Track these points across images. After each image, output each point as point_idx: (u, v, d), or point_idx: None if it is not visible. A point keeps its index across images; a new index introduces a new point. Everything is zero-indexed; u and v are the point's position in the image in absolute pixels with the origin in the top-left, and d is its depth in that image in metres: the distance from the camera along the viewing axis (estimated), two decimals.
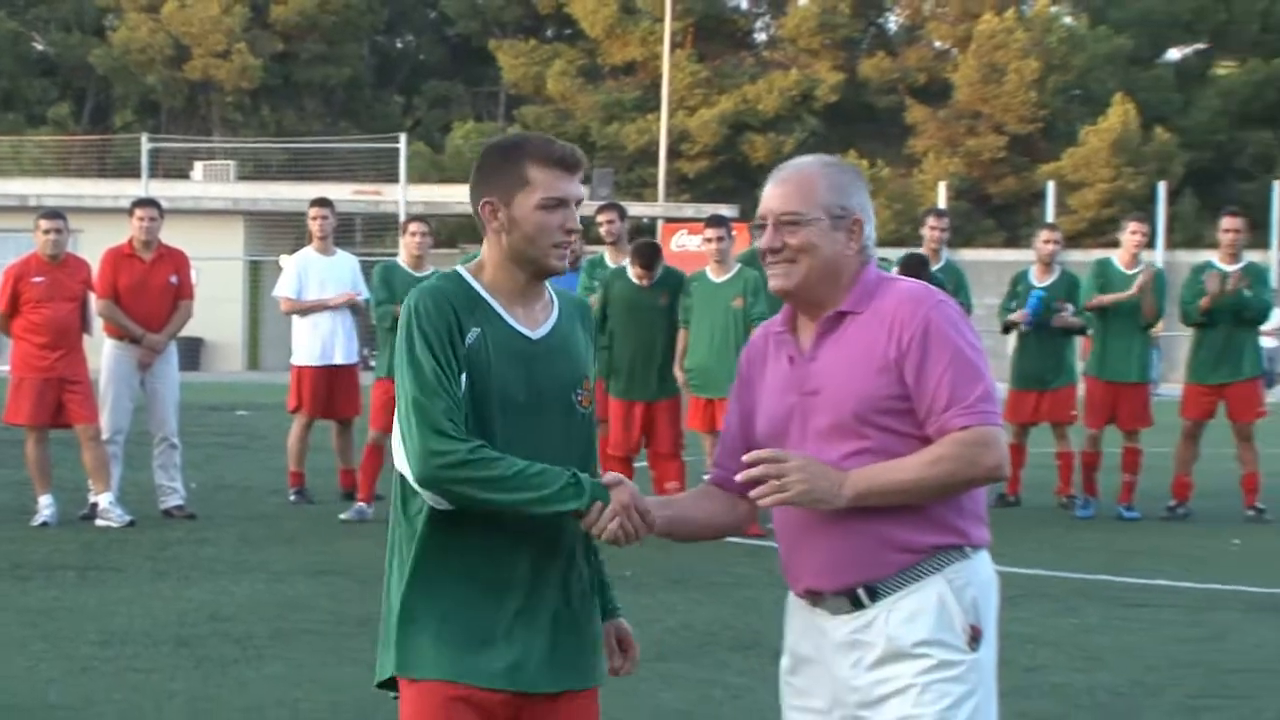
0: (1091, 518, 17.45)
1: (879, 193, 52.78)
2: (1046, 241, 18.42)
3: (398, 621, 4.94)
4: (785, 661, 5.06)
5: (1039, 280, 18.11)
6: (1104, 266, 17.92)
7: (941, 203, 48.83)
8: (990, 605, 4.95)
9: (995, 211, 64.33)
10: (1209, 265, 17.86)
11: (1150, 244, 21.44)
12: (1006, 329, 18.34)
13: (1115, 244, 18.42)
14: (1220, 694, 10.05)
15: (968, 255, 46.32)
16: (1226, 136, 64.35)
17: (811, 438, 4.85)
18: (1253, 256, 19.72)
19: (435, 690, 4.87)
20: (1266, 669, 10.67)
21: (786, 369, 4.99)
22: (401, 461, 4.89)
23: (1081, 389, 18.03)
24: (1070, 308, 17.85)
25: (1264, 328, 19.38)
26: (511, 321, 4.97)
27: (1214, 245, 18.38)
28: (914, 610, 4.85)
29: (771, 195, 4.97)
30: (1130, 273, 17.62)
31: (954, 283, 17.49)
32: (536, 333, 5.01)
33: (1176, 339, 33.65)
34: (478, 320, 4.91)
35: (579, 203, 5.00)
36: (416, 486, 4.84)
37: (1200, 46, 69.41)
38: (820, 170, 4.99)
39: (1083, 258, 33.03)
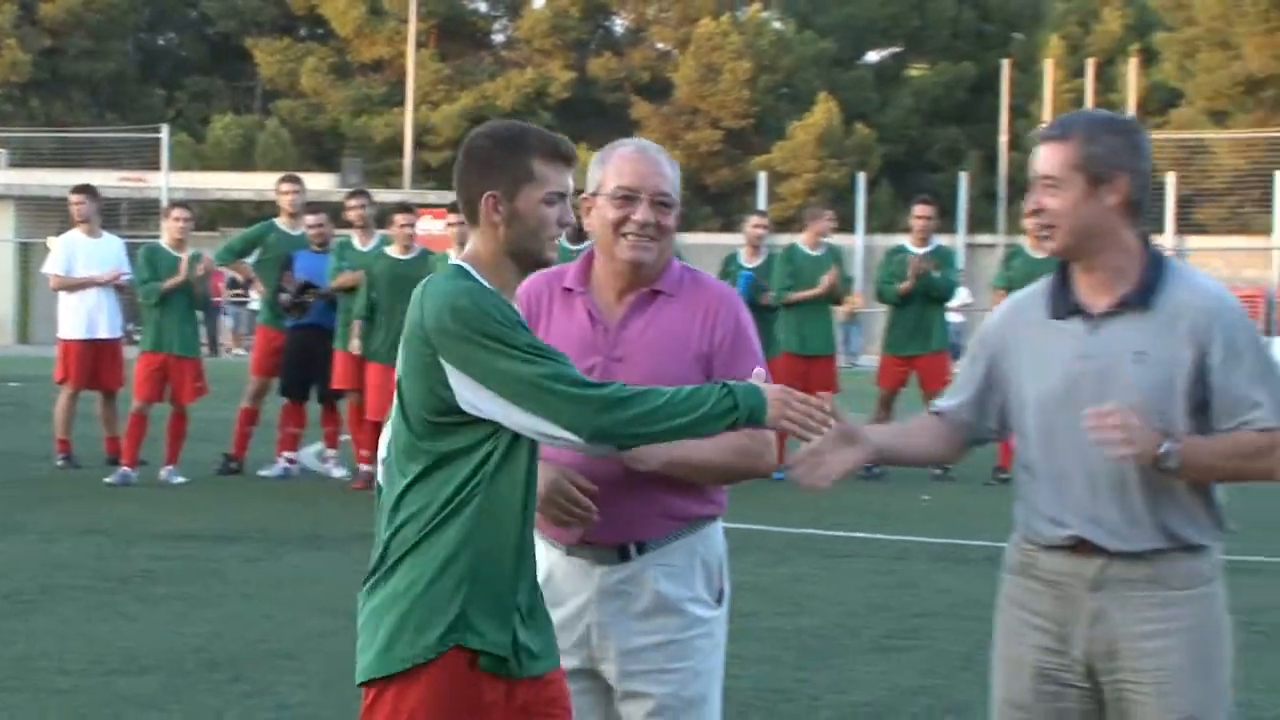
0: (785, 479, 17.60)
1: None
2: (755, 226, 18.65)
3: (432, 597, 4.42)
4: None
5: (748, 262, 18.27)
6: (791, 251, 18.24)
7: None
8: (726, 566, 5.09)
9: (712, 199, 64.74)
10: (902, 249, 18.23)
11: (850, 229, 21.65)
12: None
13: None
14: (909, 635, 10.23)
15: (688, 239, 46.53)
16: (919, 132, 65.32)
17: None
18: (941, 240, 20.07)
19: (463, 661, 4.41)
20: (950, 613, 10.86)
21: (587, 326, 4.98)
22: (533, 427, 4.39)
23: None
24: (771, 291, 18.03)
25: (950, 304, 19.79)
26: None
27: (907, 230, 18.70)
28: (676, 572, 4.94)
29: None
30: (815, 254, 17.98)
31: None
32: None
33: (874, 315, 34.16)
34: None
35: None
36: (586, 444, 4.38)
37: (896, 50, 70.37)
38: (658, 154, 5.07)
39: (790, 241, 33.39)
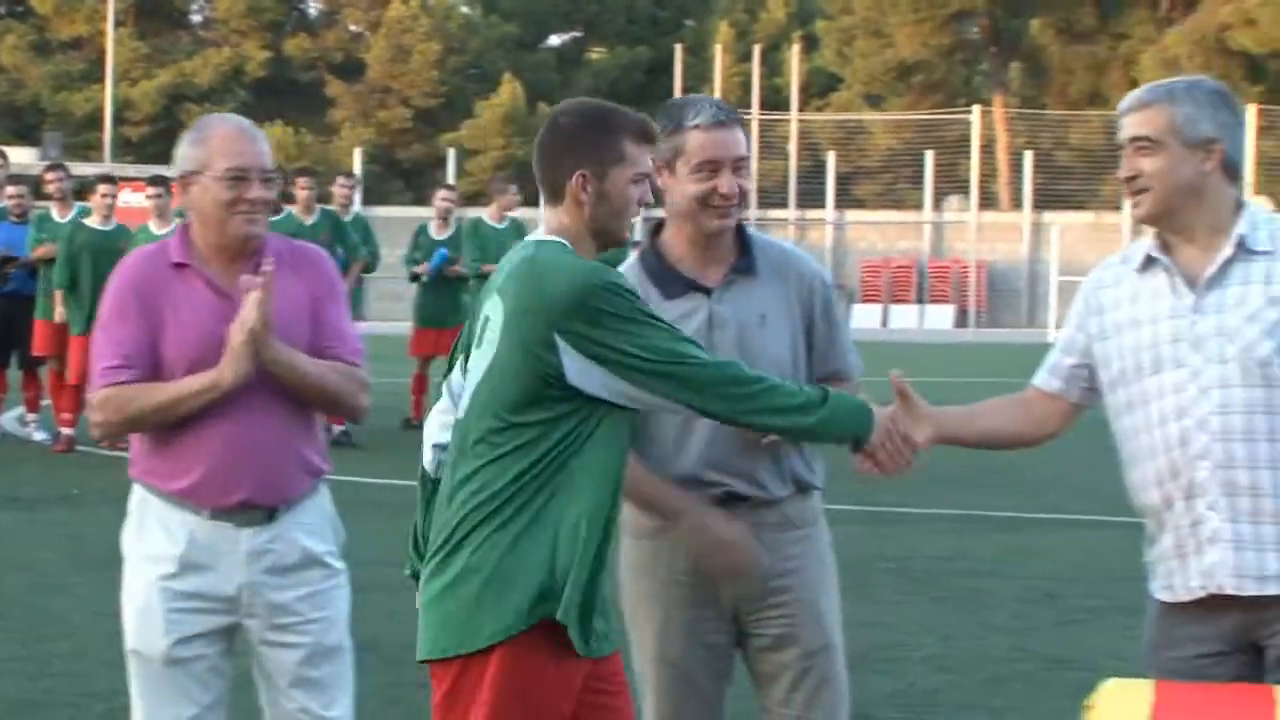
0: None
1: (301, 157, 52.32)
2: (443, 200, 18.66)
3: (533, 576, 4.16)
4: (163, 569, 4.80)
5: (437, 234, 18.23)
6: (477, 225, 18.18)
7: (356, 167, 48.75)
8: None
9: (404, 174, 64.39)
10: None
11: (535, 203, 21.63)
12: (413, 278, 18.41)
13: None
14: None
15: (380, 212, 46.36)
16: None
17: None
18: None
19: (548, 636, 4.16)
20: None
21: (212, 297, 4.80)
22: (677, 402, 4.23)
23: None
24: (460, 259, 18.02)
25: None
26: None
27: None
28: (314, 525, 4.92)
29: None
30: (500, 227, 18.00)
31: (362, 234, 17.72)
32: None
33: None
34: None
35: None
36: (723, 420, 4.31)
37: (576, 34, 70.64)
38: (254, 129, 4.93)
39: (478, 215, 33.33)
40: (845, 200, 52.90)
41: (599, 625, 4.23)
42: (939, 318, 49.60)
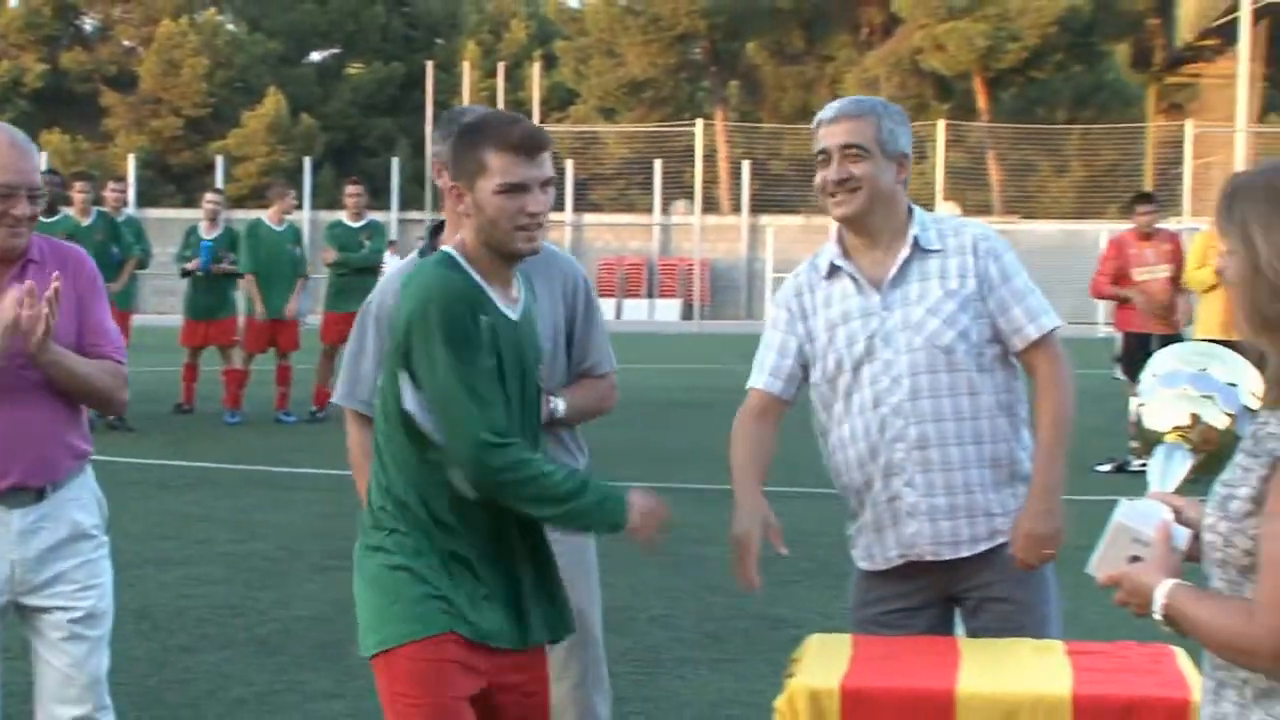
0: (239, 423, 17.42)
1: (78, 163, 50.96)
2: (210, 202, 18.36)
3: (401, 586, 4.01)
4: None
5: (207, 234, 17.92)
6: (256, 226, 17.90)
7: (131, 172, 47.73)
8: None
9: (175, 179, 63.04)
10: (340, 223, 18.22)
11: (299, 206, 21.36)
12: (184, 274, 18.07)
13: (268, 205, 18.44)
14: (345, 556, 10.02)
15: (153, 214, 45.49)
16: (357, 122, 65.02)
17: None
18: (375, 216, 20.04)
19: (436, 647, 3.95)
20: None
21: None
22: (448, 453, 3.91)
23: (242, 320, 17.98)
24: (231, 256, 17.76)
25: (383, 266, 19.83)
26: (499, 304, 4.00)
27: (345, 207, 18.60)
28: (82, 501, 4.83)
29: None
30: (278, 229, 17.77)
31: (135, 233, 17.50)
32: (515, 313, 4.06)
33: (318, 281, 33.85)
34: (483, 307, 3.94)
35: (546, 183, 3.99)
36: (467, 486, 3.91)
37: (335, 51, 69.82)
38: (28, 143, 4.72)
39: (244, 216, 32.99)
40: (583, 204, 52.97)
41: (507, 621, 4.02)
42: (667, 311, 49.91)
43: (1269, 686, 2.75)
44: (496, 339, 3.91)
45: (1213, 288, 13.74)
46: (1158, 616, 2.88)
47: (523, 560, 4.08)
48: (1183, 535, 3.03)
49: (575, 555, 4.83)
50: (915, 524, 4.55)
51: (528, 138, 3.95)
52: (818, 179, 4.60)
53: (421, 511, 3.98)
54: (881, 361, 4.54)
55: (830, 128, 4.56)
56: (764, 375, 4.74)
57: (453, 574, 3.97)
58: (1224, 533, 2.79)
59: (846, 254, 4.61)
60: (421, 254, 4.83)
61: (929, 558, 4.56)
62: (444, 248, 4.03)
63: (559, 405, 4.77)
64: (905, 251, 4.55)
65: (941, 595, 4.67)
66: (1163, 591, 2.86)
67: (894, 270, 4.55)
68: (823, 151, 4.57)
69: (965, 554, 4.55)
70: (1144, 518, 3.06)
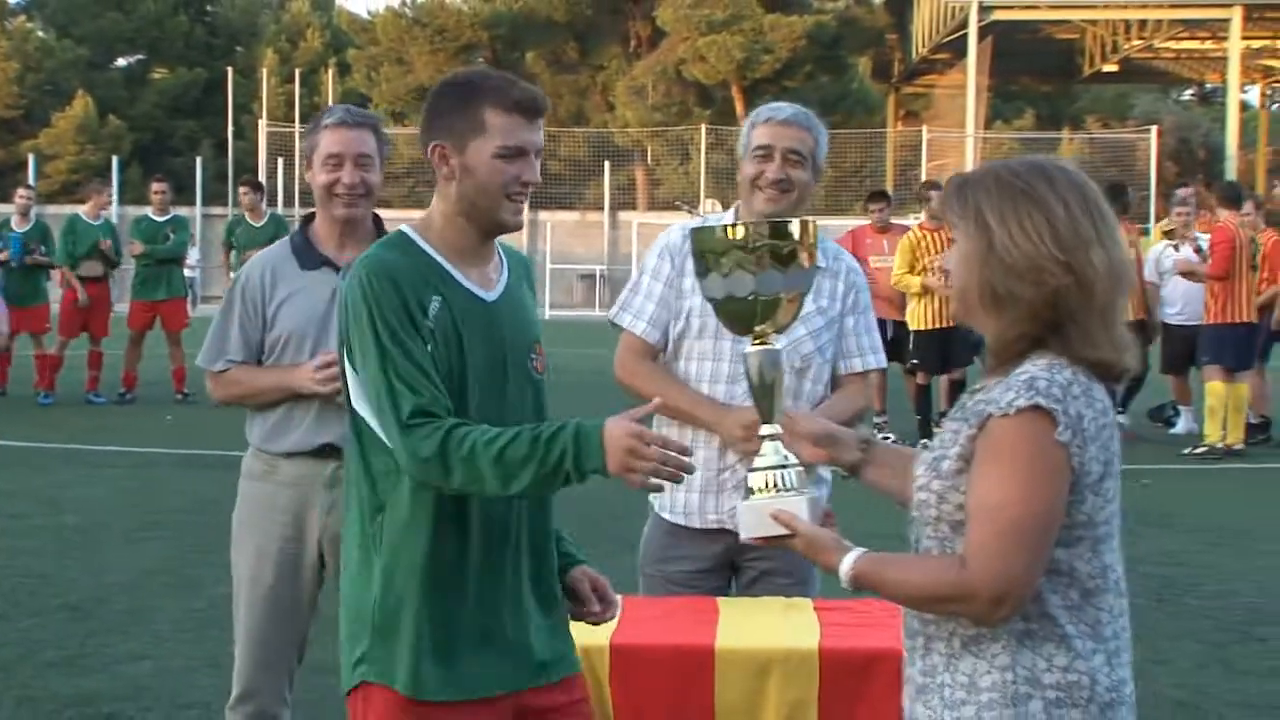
0: (51, 404, 16.97)
1: None
2: (22, 198, 17.91)
3: (380, 631, 3.27)
4: None
5: (18, 227, 17.44)
6: (74, 221, 17.50)
7: None
8: None
9: None
10: (146, 217, 17.90)
11: (111, 203, 20.91)
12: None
13: (81, 200, 18.03)
14: (153, 527, 9.96)
15: None
16: (162, 123, 63.68)
17: None
18: (180, 211, 19.67)
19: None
20: (187, 509, 10.60)
21: None
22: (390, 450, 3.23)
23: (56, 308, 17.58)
24: (42, 248, 17.37)
25: (186, 261, 19.52)
26: (466, 284, 3.34)
27: (151, 203, 18.21)
28: None
29: None
30: (95, 224, 17.42)
31: None
32: (491, 294, 3.38)
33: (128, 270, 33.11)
34: (435, 288, 3.26)
35: (538, 153, 3.34)
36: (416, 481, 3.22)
37: (141, 57, 68.23)
38: None
39: (57, 211, 32.20)
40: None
41: (466, 672, 3.27)
42: None
43: (976, 633, 2.79)
44: (454, 323, 3.26)
45: (921, 293, 14.16)
46: (845, 585, 2.86)
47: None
48: (813, 505, 2.96)
49: None
50: (737, 498, 4.58)
51: (531, 99, 3.30)
52: (751, 170, 4.56)
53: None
54: (728, 343, 4.48)
55: (780, 129, 4.55)
56: (644, 323, 4.64)
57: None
58: (937, 491, 2.82)
59: None
60: (292, 241, 4.78)
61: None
62: (401, 226, 3.44)
63: None
64: None
65: (728, 563, 4.71)
66: (848, 564, 2.83)
67: None
68: (764, 148, 4.54)
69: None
70: (761, 525, 2.94)
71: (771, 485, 2.95)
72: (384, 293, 3.21)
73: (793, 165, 4.53)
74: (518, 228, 3.35)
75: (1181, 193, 15.62)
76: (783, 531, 2.91)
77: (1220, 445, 14.00)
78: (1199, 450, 14.05)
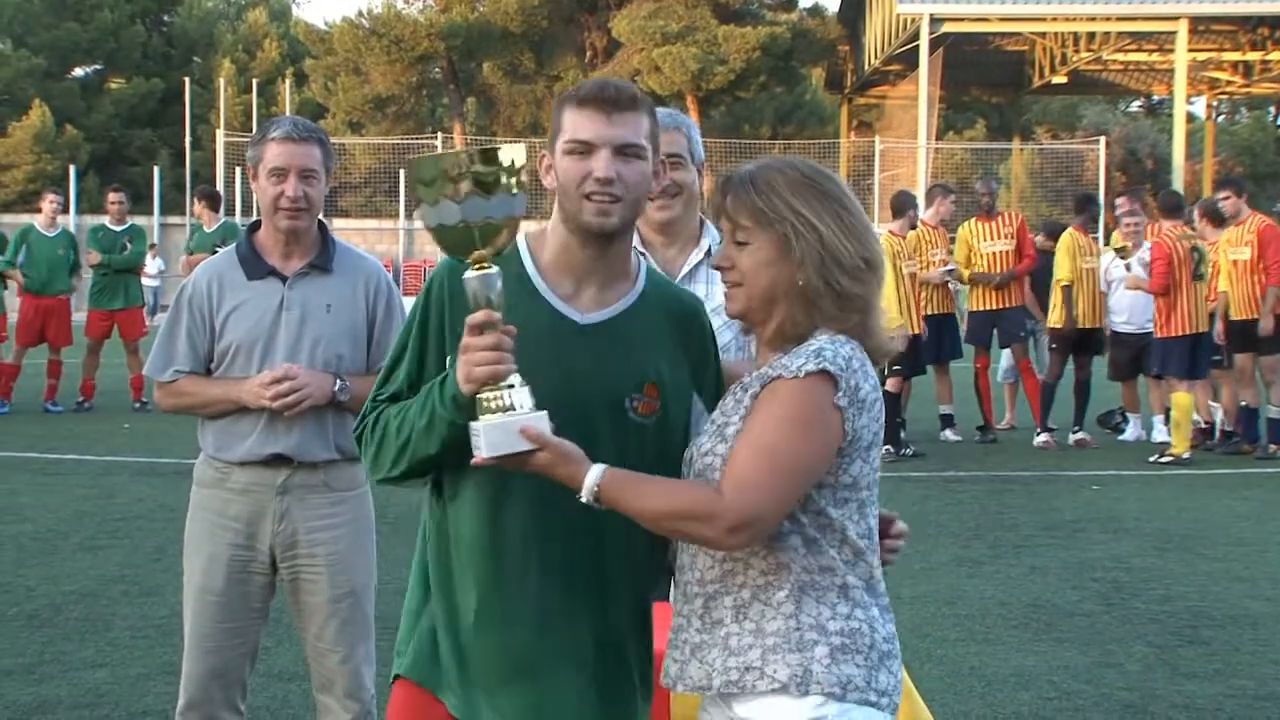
0: (8, 413, 16.84)
1: None
2: None
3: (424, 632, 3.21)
4: None
5: None
6: (27, 231, 17.40)
7: None
8: None
9: None
10: (103, 226, 17.80)
11: (66, 211, 20.75)
12: None
13: (38, 210, 17.92)
14: (111, 535, 9.92)
15: None
16: (119, 133, 63.32)
17: None
18: (137, 220, 19.56)
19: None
20: (145, 516, 10.60)
21: None
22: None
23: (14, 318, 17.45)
24: (2, 258, 17.25)
25: (146, 270, 19.39)
26: (554, 300, 3.12)
27: (108, 212, 18.12)
28: None
29: None
30: (50, 235, 17.30)
31: None
32: (588, 316, 3.12)
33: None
34: (511, 297, 2.95)
35: (626, 149, 3.05)
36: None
37: (98, 67, 67.83)
38: None
39: (14, 221, 32.03)
40: (332, 210, 52.23)
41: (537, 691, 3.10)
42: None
43: (764, 582, 2.90)
44: (517, 339, 2.89)
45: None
46: (586, 499, 2.83)
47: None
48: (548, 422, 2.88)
49: (353, 536, 4.79)
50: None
51: (599, 90, 3.07)
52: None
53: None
54: None
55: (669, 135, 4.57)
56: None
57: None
58: (722, 454, 2.91)
59: (644, 245, 4.64)
60: (238, 251, 4.77)
61: None
62: (523, 231, 3.16)
63: (345, 387, 4.68)
64: (698, 256, 4.61)
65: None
66: (594, 476, 2.82)
67: (686, 268, 4.58)
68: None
69: None
70: (506, 442, 2.84)
71: (508, 404, 2.87)
72: (437, 297, 3.15)
73: (673, 167, 4.52)
74: (602, 231, 3.07)
75: (1121, 204, 15.45)
76: (529, 447, 2.84)
77: (1185, 456, 14.08)
78: (1164, 459, 14.11)
